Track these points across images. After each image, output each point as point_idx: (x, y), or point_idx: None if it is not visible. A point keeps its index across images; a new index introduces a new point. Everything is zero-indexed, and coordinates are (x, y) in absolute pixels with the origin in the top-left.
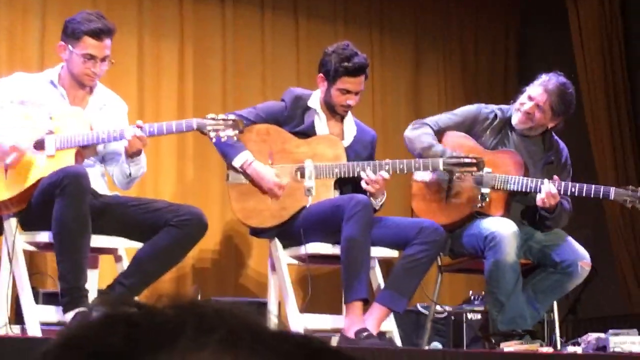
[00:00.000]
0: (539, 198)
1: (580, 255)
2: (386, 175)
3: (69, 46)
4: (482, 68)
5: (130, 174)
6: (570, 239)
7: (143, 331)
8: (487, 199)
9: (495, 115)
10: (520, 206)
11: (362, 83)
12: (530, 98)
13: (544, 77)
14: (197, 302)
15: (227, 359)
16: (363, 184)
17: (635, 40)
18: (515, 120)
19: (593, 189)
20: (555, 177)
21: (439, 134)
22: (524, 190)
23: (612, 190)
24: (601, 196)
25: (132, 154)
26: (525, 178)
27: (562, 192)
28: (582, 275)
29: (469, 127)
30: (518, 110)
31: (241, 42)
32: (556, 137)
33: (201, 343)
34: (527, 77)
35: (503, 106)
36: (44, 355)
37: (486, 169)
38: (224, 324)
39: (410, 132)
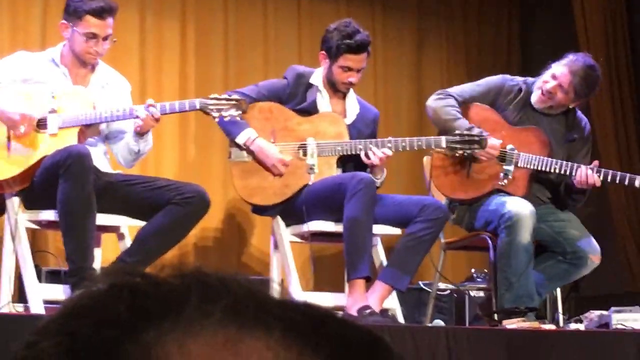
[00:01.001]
0: (576, 180)
1: (592, 249)
2: (389, 152)
3: (71, 25)
4: (485, 46)
5: (138, 151)
6: (586, 231)
7: (148, 300)
8: (510, 177)
9: (520, 89)
10: (537, 184)
11: (363, 60)
12: (554, 77)
13: (570, 57)
14: (201, 271)
15: (232, 328)
16: (364, 158)
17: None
18: (534, 99)
19: (627, 178)
20: (595, 162)
21: (463, 105)
22: (559, 172)
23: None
24: (627, 182)
25: (143, 132)
26: (562, 161)
27: (601, 178)
28: (590, 268)
29: (493, 99)
30: (539, 89)
31: (243, 21)
32: (579, 114)
33: (206, 311)
34: (530, 55)
35: (529, 79)
36: (48, 324)
37: (510, 146)
38: (229, 292)
39: (434, 102)
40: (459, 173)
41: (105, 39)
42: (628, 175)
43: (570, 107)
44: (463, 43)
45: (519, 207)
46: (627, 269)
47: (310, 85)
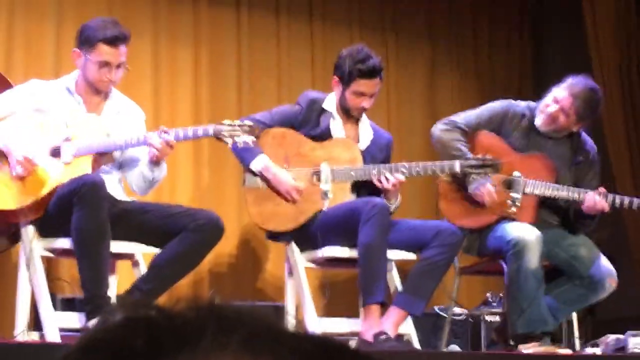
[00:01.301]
0: (584, 207)
1: (608, 272)
2: (401, 178)
3: (84, 53)
4: (497, 69)
5: (152, 179)
6: (598, 253)
7: (164, 333)
8: (518, 204)
9: (524, 114)
10: (546, 209)
11: (376, 86)
12: (555, 100)
13: (571, 81)
14: (216, 304)
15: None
16: (376, 182)
17: None
18: (539, 122)
19: (636, 202)
20: (602, 189)
21: (470, 133)
22: (567, 199)
23: None
24: (636, 207)
25: (157, 160)
26: (570, 187)
27: (609, 203)
28: (607, 292)
29: (498, 125)
30: (542, 112)
31: (256, 47)
32: (584, 136)
33: (222, 344)
34: (542, 77)
35: (531, 103)
36: (67, 357)
37: (516, 173)
38: (243, 324)
39: (441, 134)
40: (466, 201)
41: (118, 66)
42: (636, 199)
43: (574, 130)
44: (475, 67)
45: (524, 233)
46: None
47: (324, 111)
